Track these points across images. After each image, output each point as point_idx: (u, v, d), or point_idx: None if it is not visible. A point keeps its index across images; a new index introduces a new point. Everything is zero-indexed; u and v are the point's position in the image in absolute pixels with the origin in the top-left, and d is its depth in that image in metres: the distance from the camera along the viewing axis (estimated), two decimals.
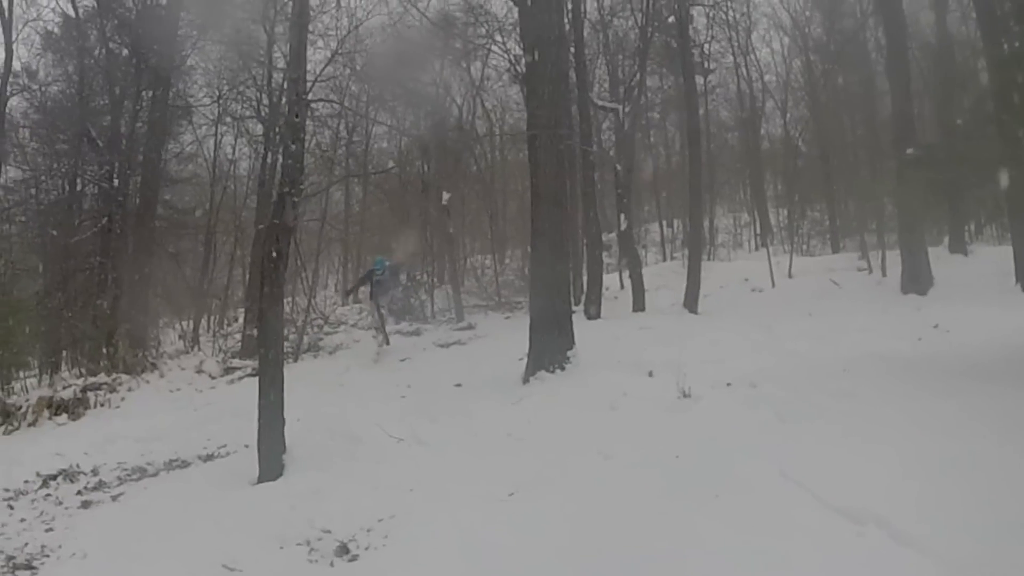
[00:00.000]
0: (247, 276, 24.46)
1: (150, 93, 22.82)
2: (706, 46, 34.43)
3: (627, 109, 23.72)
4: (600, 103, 24.67)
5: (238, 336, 21.94)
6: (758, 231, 36.20)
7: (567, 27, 19.47)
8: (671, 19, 24.65)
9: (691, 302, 19.56)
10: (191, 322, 24.27)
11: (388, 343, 18.65)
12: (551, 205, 13.50)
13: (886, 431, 7.81)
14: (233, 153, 28.27)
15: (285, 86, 19.18)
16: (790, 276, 23.08)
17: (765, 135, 38.89)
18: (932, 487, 6.39)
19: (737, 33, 36.02)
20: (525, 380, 12.74)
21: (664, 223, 36.96)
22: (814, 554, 5.76)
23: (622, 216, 22.09)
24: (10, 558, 7.90)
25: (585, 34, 24.40)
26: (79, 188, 23.85)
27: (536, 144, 13.64)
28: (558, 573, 6.17)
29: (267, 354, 10.12)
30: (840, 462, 7.16)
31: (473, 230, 31.02)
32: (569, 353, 12.95)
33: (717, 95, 38.35)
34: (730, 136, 40.48)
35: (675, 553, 6.03)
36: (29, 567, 7.69)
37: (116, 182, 22.00)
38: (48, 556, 7.90)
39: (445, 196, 23.39)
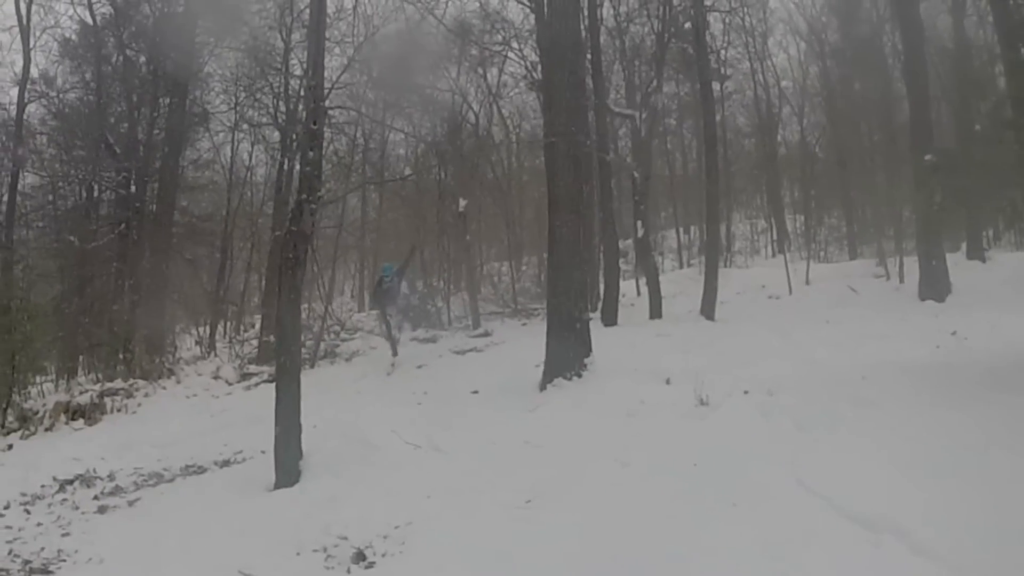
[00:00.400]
0: (263, 282, 24.49)
1: (167, 100, 22.94)
2: (723, 52, 34.38)
3: (644, 115, 23.64)
4: (617, 110, 24.61)
5: (255, 342, 21.98)
6: (775, 237, 36.12)
7: (584, 33, 19.45)
8: (687, 25, 24.58)
9: (708, 309, 19.47)
10: (208, 328, 24.34)
11: (396, 354, 18.45)
12: (568, 212, 13.48)
13: (903, 440, 7.76)
14: (250, 160, 28.47)
15: (302, 93, 19.23)
16: (807, 283, 23.02)
17: (782, 141, 38.84)
18: (949, 496, 6.36)
19: (753, 39, 35.99)
20: (542, 387, 12.71)
21: (681, 230, 36.99)
22: (831, 563, 5.74)
23: (639, 223, 22.01)
24: (26, 562, 7.92)
25: (602, 40, 24.38)
26: (96, 194, 23.99)
27: (553, 151, 13.64)
28: None
29: (284, 360, 10.14)
30: (857, 470, 7.13)
31: (489, 237, 31.04)
32: (586, 360, 12.92)
33: (733, 101, 38.28)
34: (747, 142, 40.45)
35: (692, 562, 6.01)
36: (46, 571, 7.70)
37: (133, 188, 22.12)
38: (65, 561, 7.91)
39: (462, 203, 23.37)
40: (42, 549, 8.24)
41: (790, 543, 6.01)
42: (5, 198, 22.86)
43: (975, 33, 24.78)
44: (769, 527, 6.30)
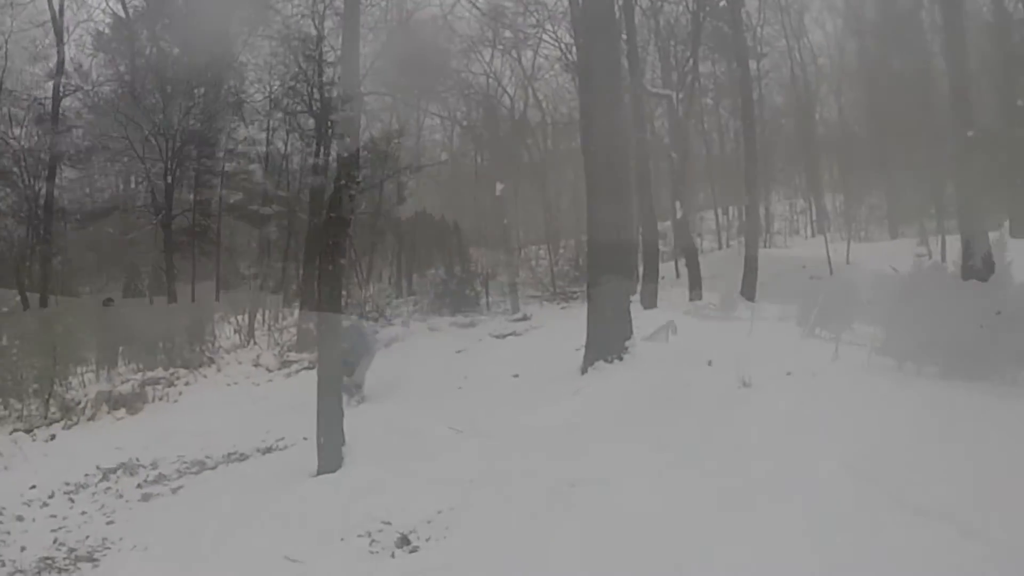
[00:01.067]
0: (301, 270, 24.54)
1: (201, 90, 22.99)
2: (759, 30, 34.02)
3: (680, 95, 23.48)
4: (653, 90, 24.47)
5: (293, 330, 22.01)
6: (814, 217, 35.78)
7: (618, 14, 19.30)
8: (723, 3, 24.38)
9: (748, 290, 19.33)
10: (247, 316, 24.42)
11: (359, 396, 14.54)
12: (607, 194, 13.37)
13: (950, 424, 7.67)
14: (285, 148, 28.45)
15: (336, 80, 19.22)
16: (848, 262, 22.80)
17: (820, 120, 38.37)
18: (999, 481, 6.28)
19: (789, 16, 35.56)
20: (583, 370, 12.62)
21: (719, 210, 36.67)
22: (881, 546, 5.66)
23: (677, 204, 21.94)
24: (72, 550, 7.97)
25: (636, 20, 24.20)
26: (133, 186, 24.09)
27: (590, 132, 13.54)
28: (622, 567, 6.08)
29: (325, 347, 10.12)
30: (904, 454, 7.03)
31: (527, 220, 30.89)
32: (627, 343, 12.79)
33: (770, 79, 37.78)
34: (784, 121, 40.03)
35: (741, 546, 5.92)
36: (91, 559, 7.75)
37: (170, 179, 22.19)
38: (109, 548, 7.96)
39: (499, 187, 23.30)
40: (87, 537, 8.30)
41: (840, 527, 5.93)
42: (43, 191, 23.05)
43: (1015, 7, 24.40)
44: (818, 511, 6.23)
